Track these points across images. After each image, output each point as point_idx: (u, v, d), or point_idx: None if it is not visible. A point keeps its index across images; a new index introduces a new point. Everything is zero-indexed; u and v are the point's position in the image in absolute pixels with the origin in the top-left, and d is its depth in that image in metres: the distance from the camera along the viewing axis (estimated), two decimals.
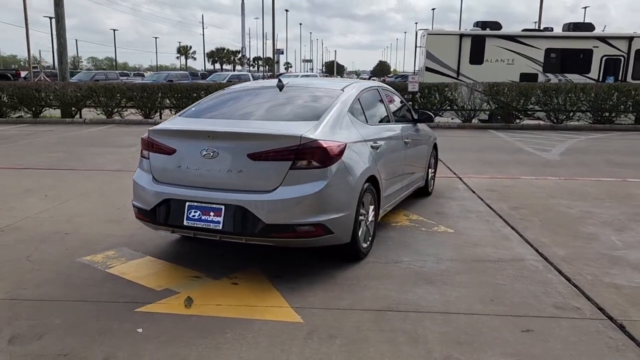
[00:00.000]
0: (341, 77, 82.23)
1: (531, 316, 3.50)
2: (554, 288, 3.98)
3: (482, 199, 6.87)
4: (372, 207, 4.69)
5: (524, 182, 8.05)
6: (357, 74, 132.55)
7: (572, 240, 5.18)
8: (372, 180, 4.61)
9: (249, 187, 3.89)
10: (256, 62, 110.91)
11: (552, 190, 7.49)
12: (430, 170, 7.02)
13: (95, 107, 17.36)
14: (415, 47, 44.45)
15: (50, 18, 57.27)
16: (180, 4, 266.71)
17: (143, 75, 43.92)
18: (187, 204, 3.99)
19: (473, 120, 17.14)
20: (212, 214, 3.91)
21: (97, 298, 3.72)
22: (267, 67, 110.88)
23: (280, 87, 4.88)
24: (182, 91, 17.00)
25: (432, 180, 7.25)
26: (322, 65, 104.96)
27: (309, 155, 3.86)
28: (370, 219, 4.66)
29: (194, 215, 3.96)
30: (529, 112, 16.81)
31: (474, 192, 7.32)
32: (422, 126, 6.63)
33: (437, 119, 17.14)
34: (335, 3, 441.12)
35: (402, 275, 4.20)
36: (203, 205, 3.94)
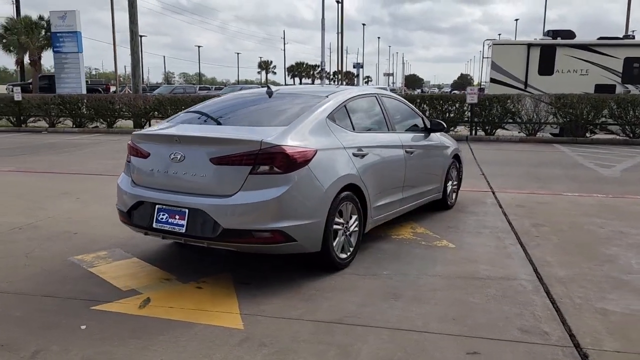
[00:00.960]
0: (421, 90, 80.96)
1: (487, 338, 3.24)
2: (531, 310, 3.65)
3: (505, 215, 6.48)
4: (355, 217, 4.55)
5: (564, 199, 7.51)
6: (440, 87, 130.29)
7: (583, 260, 4.75)
8: (354, 189, 4.48)
9: (211, 191, 3.91)
10: (335, 76, 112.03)
11: (591, 208, 6.93)
12: (450, 182, 6.72)
13: (162, 117, 18.25)
14: (482, 58, 42.98)
15: (141, 36, 61.14)
16: (266, 22, 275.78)
17: (221, 89, 45.73)
18: (157, 206, 4.07)
19: (539, 134, 16.26)
20: (177, 217, 3.96)
21: (63, 294, 3.88)
22: (346, 80, 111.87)
23: (270, 93, 4.90)
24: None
25: (454, 194, 6.94)
26: (403, 79, 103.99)
27: (269, 161, 3.83)
28: (352, 229, 4.53)
29: (162, 218, 4.03)
30: (601, 126, 15.70)
31: (501, 207, 6.92)
32: (438, 136, 6.39)
33: (498, 132, 16.47)
34: (418, 16, 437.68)
35: (372, 289, 4.04)
36: (170, 208, 4.01)
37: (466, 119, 16.38)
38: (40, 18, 33.88)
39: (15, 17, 36.59)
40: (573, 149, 13.92)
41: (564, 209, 6.87)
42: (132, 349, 3.06)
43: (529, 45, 18.35)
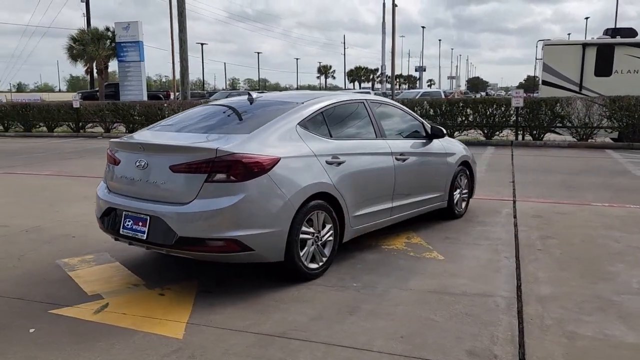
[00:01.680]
0: (486, 94, 78.50)
1: (420, 359, 3.04)
2: (491, 331, 3.41)
3: (515, 226, 6.13)
4: (329, 227, 4.44)
5: (589, 209, 7.02)
6: (507, 90, 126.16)
7: (577, 278, 4.41)
8: (327, 197, 4.37)
9: (169, 199, 3.93)
10: (397, 80, 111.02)
11: (615, 219, 6.44)
12: (459, 190, 6.45)
13: None
14: (535, 60, 40.94)
15: (202, 44, 62.94)
16: (328, 27, 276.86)
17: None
18: (124, 213, 4.14)
19: (593, 139, 15.35)
20: (140, 223, 4.01)
21: (31, 297, 4.01)
22: (407, 84, 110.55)
23: (251, 100, 4.88)
24: None
25: (464, 202, 6.64)
26: (466, 82, 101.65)
27: (225, 169, 3.80)
28: (325, 238, 4.42)
29: (128, 225, 4.09)
30: None
31: (515, 217, 6.55)
32: (441, 143, 6.14)
33: (547, 137, 15.69)
34: (484, 17, 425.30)
35: (333, 301, 3.91)
36: (134, 215, 4.06)
37: (512, 123, 15.71)
38: (107, 29, 35.68)
39: (85, 28, 38.76)
40: (626, 155, 13.04)
41: (585, 220, 6.42)
42: (65, 355, 3.11)
43: (584, 45, 17.37)
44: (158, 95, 38.58)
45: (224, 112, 4.80)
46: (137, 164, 4.09)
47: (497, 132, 15.99)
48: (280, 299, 3.94)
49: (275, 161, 4.00)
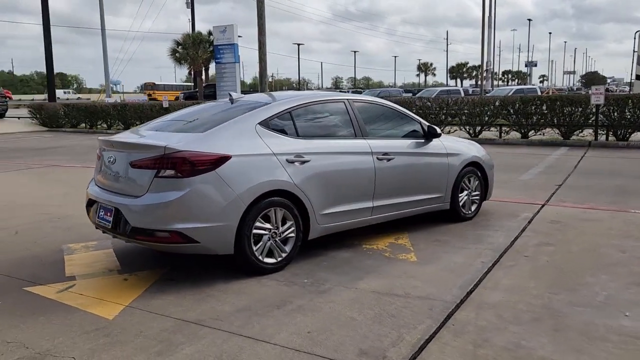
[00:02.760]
0: (607, 90, 72.58)
1: (318, 355, 3.11)
2: (402, 333, 3.38)
3: (522, 230, 5.84)
4: (290, 223, 4.57)
5: (623, 217, 6.48)
6: (631, 84, 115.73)
7: (541, 287, 4.17)
8: (286, 194, 4.51)
9: (128, 192, 4.28)
10: (505, 76, 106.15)
11: None
12: (467, 192, 6.25)
13: None
14: (633, 52, 36.97)
15: (299, 44, 64.26)
16: (434, 23, 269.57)
17: (361, 91, 46.06)
18: (99, 204, 4.57)
19: None
20: (108, 214, 4.41)
21: (18, 274, 4.56)
22: (517, 80, 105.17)
23: (231, 101, 5.13)
24: (424, 108, 17.45)
25: (474, 205, 6.42)
26: (580, 77, 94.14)
27: (172, 165, 4.08)
28: (286, 235, 4.56)
29: (101, 214, 4.52)
30: None
31: (529, 222, 6.22)
32: (443, 143, 5.99)
33: (634, 137, 14.38)
34: (607, 6, 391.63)
35: (270, 295, 4.05)
36: (104, 205, 4.47)
37: (592, 122, 14.60)
38: (209, 33, 37.89)
39: (190, 32, 41.38)
40: None
41: (607, 228, 5.95)
42: (8, 324, 3.56)
43: None
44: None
45: (200, 112, 5.09)
46: (109, 159, 4.50)
47: (577, 132, 14.93)
48: (224, 290, 4.15)
49: (225, 159, 4.20)
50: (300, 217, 4.65)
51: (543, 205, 7.10)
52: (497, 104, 15.80)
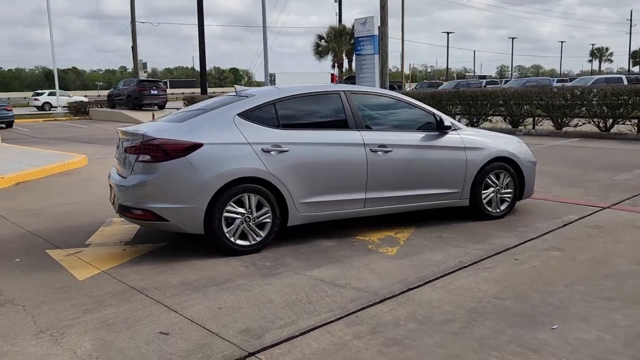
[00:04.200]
0: None
1: (205, 328, 3.39)
2: (299, 319, 3.49)
3: (546, 233, 5.38)
4: (265, 209, 4.84)
5: None
6: None
7: (495, 292, 3.92)
8: (259, 181, 4.78)
9: (122, 174, 4.91)
10: None
11: None
12: (493, 189, 5.91)
13: None
14: None
15: (448, 33, 62.19)
16: (621, 3, 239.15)
17: (504, 81, 42.93)
18: (111, 185, 5.28)
19: None
20: (113, 193, 5.09)
21: (52, 239, 5.47)
22: None
23: (236, 93, 5.51)
24: (466, 98, 17.06)
25: (505, 203, 6.03)
26: None
27: (148, 151, 4.60)
28: (261, 220, 4.84)
29: (110, 193, 5.23)
30: None
31: (564, 225, 5.68)
32: (461, 136, 5.74)
33: None
34: None
35: (221, 274, 4.35)
36: (112, 185, 5.16)
37: None
38: (353, 26, 38.73)
39: (337, 25, 42.63)
40: None
41: None
42: (8, 277, 4.38)
43: None
44: (393, 86, 40.23)
45: (206, 103, 5.52)
46: (119, 146, 5.18)
47: None
48: (188, 265, 4.58)
49: (196, 146, 4.61)
50: (277, 204, 4.89)
51: (604, 209, 6.37)
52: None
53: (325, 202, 5.11)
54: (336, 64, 39.93)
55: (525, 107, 16.18)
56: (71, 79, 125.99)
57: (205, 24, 28.60)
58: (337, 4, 46.72)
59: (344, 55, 38.17)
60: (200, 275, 4.35)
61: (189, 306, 3.72)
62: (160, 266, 4.59)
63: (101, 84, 62.01)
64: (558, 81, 38.10)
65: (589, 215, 6.09)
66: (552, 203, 6.74)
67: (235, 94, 5.52)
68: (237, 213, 4.76)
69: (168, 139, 4.63)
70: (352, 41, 35.73)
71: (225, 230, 4.73)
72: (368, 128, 5.39)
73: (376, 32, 34.04)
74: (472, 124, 17.22)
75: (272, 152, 4.85)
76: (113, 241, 5.40)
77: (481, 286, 4.02)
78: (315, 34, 39.25)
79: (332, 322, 3.44)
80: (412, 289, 3.99)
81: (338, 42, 36.87)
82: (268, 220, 4.88)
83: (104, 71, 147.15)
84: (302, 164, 4.95)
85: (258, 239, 4.87)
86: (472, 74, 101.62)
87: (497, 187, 5.96)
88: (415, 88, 43.04)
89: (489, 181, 5.89)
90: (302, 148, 4.98)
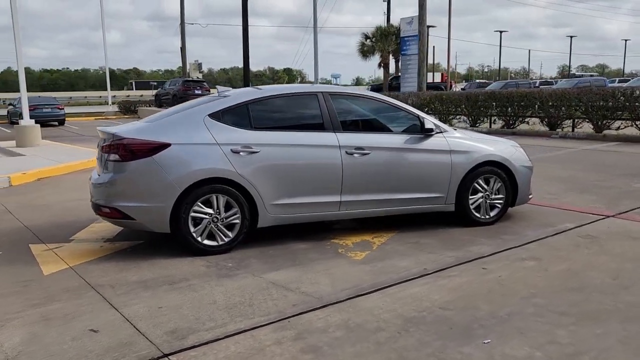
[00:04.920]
0: None
1: (135, 327, 3.43)
2: (231, 322, 3.49)
3: (529, 242, 5.15)
4: (234, 210, 4.86)
5: None
6: None
7: (443, 302, 3.79)
8: (228, 182, 4.79)
9: (99, 173, 5.04)
10: None
11: None
12: (481, 194, 5.70)
13: (434, 114, 18.91)
14: None
15: (501, 31, 60.29)
16: None
17: (553, 81, 41.04)
18: None
19: None
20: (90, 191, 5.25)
21: (40, 234, 5.69)
22: None
23: (219, 94, 5.54)
24: (501, 100, 16.53)
25: (495, 209, 5.80)
26: None
27: (116, 150, 4.71)
28: (230, 220, 4.85)
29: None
30: None
31: (555, 234, 5.42)
32: (447, 140, 5.56)
33: None
34: None
35: (179, 273, 4.39)
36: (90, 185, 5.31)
37: None
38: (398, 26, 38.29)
39: (384, 25, 42.22)
40: None
41: None
42: None
43: None
44: (440, 87, 39.51)
45: (184, 104, 5.58)
46: (99, 145, 5.33)
47: None
48: (153, 264, 4.65)
49: (163, 146, 4.68)
50: (247, 205, 4.89)
51: (607, 217, 6.03)
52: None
53: (298, 204, 5.07)
54: (382, 64, 39.49)
55: (563, 108, 15.51)
56: (132, 78, 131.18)
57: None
58: (386, 3, 46.31)
59: (390, 55, 37.73)
60: (160, 274, 4.41)
61: (132, 304, 3.78)
62: (127, 263, 4.68)
63: (155, 84, 64.28)
64: (620, 81, 36.28)
65: (588, 223, 5.78)
66: (554, 210, 6.44)
67: (218, 94, 5.57)
68: (205, 213, 4.79)
69: (135, 138, 4.72)
70: (399, 41, 35.40)
71: (192, 230, 4.77)
72: (346, 130, 5.30)
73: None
74: (508, 125, 16.68)
75: (241, 153, 4.86)
76: (95, 238, 5.56)
77: (432, 295, 3.88)
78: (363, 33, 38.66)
79: (261, 326, 3.41)
80: (360, 295, 3.90)
81: (383, 42, 36.46)
82: (237, 221, 4.89)
83: (163, 71, 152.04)
84: (273, 165, 4.93)
85: (226, 239, 4.89)
86: (525, 74, 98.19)
87: (487, 193, 5.73)
88: (462, 88, 42.11)
89: (478, 186, 5.68)
90: (273, 149, 4.96)
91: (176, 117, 4.98)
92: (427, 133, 5.48)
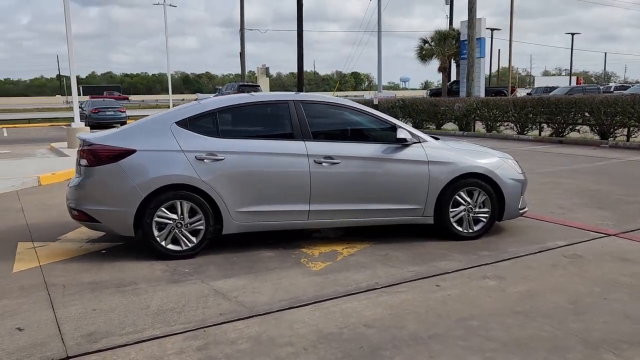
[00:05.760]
0: None
1: (64, 329, 3.56)
2: (150, 328, 3.54)
3: (505, 260, 4.90)
4: (199, 216, 4.93)
5: None
6: None
7: (377, 317, 3.67)
8: (192, 189, 4.87)
9: (75, 176, 5.27)
10: None
11: None
12: (463, 207, 5.47)
13: (480, 120, 18.30)
14: None
15: (572, 34, 57.56)
16: None
17: (629, 86, 38.32)
18: None
19: None
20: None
21: (36, 233, 6.01)
22: None
23: (198, 102, 5.67)
24: (549, 106, 15.76)
25: (480, 223, 5.53)
26: None
27: (85, 155, 4.91)
28: (194, 226, 4.94)
29: None
30: None
31: (538, 252, 5.12)
32: (425, 150, 5.37)
33: None
34: None
35: (132, 276, 4.50)
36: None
37: None
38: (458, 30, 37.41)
39: (446, 29, 41.41)
40: None
41: (623, 274, 4.53)
42: None
43: None
44: (502, 91, 38.17)
45: (164, 111, 5.73)
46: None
47: None
48: (115, 266, 4.79)
49: (128, 152, 4.82)
50: (212, 212, 4.95)
51: (607, 236, 5.62)
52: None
53: (264, 212, 5.07)
54: (441, 68, 38.72)
55: (617, 116, 14.54)
56: (204, 82, 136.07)
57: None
58: (449, 6, 45.38)
59: (451, 59, 36.93)
60: (114, 276, 4.55)
61: (71, 305, 3.92)
62: (92, 265, 4.86)
63: (220, 88, 66.62)
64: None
65: (582, 242, 5.41)
66: (554, 225, 6.07)
67: (197, 101, 5.68)
68: (169, 219, 4.89)
69: (102, 144, 4.90)
70: (458, 45, 34.58)
71: (156, 234, 4.88)
72: (316, 139, 5.24)
73: (483, 35, 32.73)
74: (557, 134, 15.86)
75: (205, 161, 4.92)
76: (81, 238, 5.81)
77: (365, 312, 3.76)
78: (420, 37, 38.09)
79: (176, 334, 3.44)
80: (292, 307, 3.85)
81: (442, 46, 35.73)
82: (201, 227, 4.95)
83: (233, 75, 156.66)
84: (238, 173, 4.96)
85: (190, 244, 4.96)
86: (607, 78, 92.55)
87: (470, 206, 5.49)
88: (528, 93, 40.48)
89: (460, 199, 5.45)
90: (239, 157, 4.99)
91: (145, 125, 5.13)
92: (403, 143, 5.32)
